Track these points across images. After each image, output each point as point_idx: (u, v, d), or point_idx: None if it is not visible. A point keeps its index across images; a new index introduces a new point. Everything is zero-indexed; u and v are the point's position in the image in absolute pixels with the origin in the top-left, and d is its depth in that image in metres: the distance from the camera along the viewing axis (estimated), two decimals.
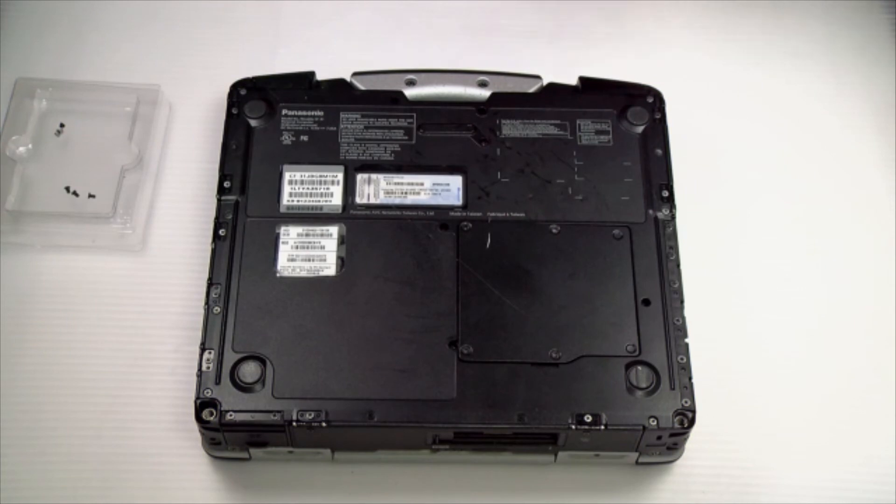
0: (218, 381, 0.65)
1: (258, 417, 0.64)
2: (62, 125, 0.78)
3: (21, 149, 0.77)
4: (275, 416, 0.64)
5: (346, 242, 0.71)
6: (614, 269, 0.70)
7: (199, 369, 0.66)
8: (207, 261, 0.70)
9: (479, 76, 0.77)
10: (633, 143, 0.75)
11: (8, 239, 0.75)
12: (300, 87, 0.77)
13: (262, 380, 0.65)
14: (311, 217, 0.71)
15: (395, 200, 0.72)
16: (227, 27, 0.85)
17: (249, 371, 0.66)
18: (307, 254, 0.70)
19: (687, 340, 0.68)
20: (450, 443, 0.66)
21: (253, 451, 0.67)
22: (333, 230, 0.71)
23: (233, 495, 0.68)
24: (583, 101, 0.76)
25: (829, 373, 0.73)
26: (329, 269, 0.70)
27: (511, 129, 0.75)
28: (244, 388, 0.65)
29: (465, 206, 0.72)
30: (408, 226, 0.71)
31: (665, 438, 0.66)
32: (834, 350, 0.74)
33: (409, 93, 0.76)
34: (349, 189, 0.73)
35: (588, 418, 0.64)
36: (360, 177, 0.73)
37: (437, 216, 0.72)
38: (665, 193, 0.73)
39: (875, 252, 0.77)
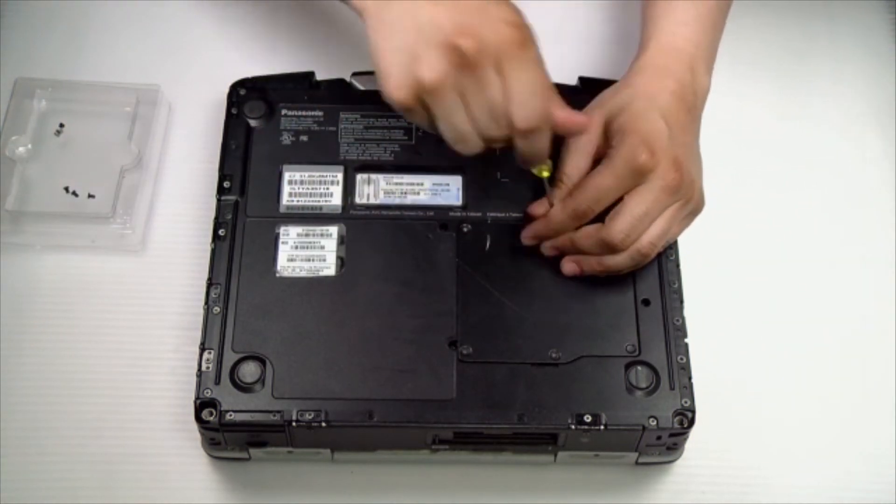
0: (218, 381, 0.65)
1: (258, 417, 0.64)
2: (62, 125, 0.78)
3: (21, 149, 0.77)
4: (274, 416, 0.64)
5: (345, 242, 0.71)
6: None
7: (199, 369, 0.66)
8: (207, 261, 0.70)
9: None
10: None
11: (8, 239, 0.75)
12: (300, 87, 0.77)
13: (261, 380, 0.65)
14: (311, 217, 0.71)
15: (395, 200, 0.72)
16: (227, 27, 0.85)
17: (249, 371, 0.66)
18: (307, 254, 0.70)
19: (687, 340, 0.68)
20: (449, 443, 0.66)
21: (253, 451, 0.67)
22: (333, 230, 0.71)
23: (233, 495, 0.68)
24: (583, 101, 0.75)
25: (829, 373, 0.73)
26: (329, 269, 0.70)
27: None
28: (244, 388, 0.65)
29: (464, 207, 0.72)
30: (407, 226, 0.71)
31: (665, 438, 0.66)
32: (834, 350, 0.74)
33: None
34: (349, 189, 0.73)
35: (588, 418, 0.64)
36: (359, 177, 0.73)
37: (436, 216, 0.72)
38: None
39: (875, 252, 0.77)
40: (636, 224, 0.66)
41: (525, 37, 0.62)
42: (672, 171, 0.66)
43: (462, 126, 0.63)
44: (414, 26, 0.61)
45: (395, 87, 0.62)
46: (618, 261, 0.67)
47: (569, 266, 0.69)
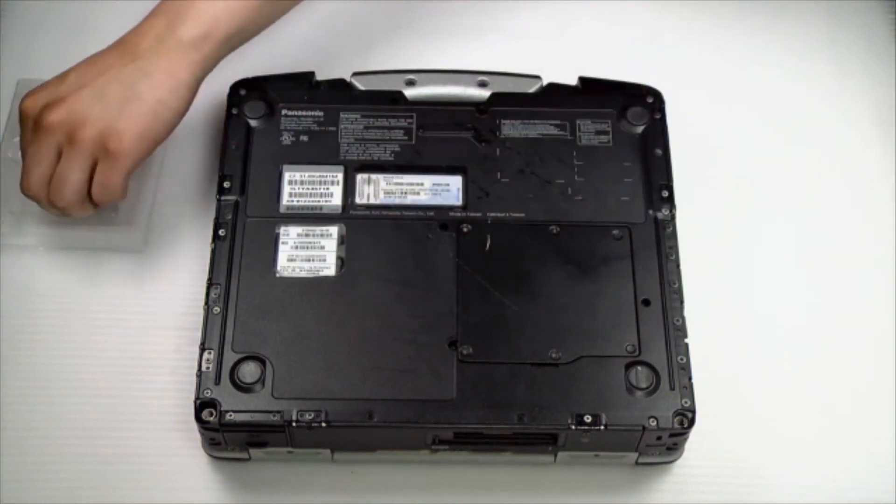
0: (218, 381, 0.65)
1: (258, 418, 0.64)
2: None
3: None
4: (274, 416, 0.64)
5: (345, 242, 0.71)
6: (614, 269, 0.70)
7: (199, 369, 0.66)
8: (207, 261, 0.70)
9: (478, 76, 0.77)
10: (632, 144, 0.75)
11: (8, 240, 0.75)
12: (300, 87, 0.77)
13: (261, 380, 0.65)
14: (311, 217, 0.71)
15: (395, 200, 0.72)
16: None
17: (249, 371, 0.66)
18: (307, 254, 0.70)
19: (687, 340, 0.67)
20: (449, 443, 0.66)
21: (253, 451, 0.67)
22: (333, 230, 0.71)
23: (233, 495, 0.68)
24: (583, 101, 0.75)
25: (828, 373, 0.73)
26: (329, 269, 0.70)
27: (511, 129, 0.75)
28: (244, 388, 0.65)
29: (464, 207, 0.72)
30: (407, 226, 0.71)
31: (665, 439, 0.66)
32: (834, 349, 0.74)
33: (409, 93, 0.76)
34: (349, 189, 0.73)
35: (588, 418, 0.64)
36: (359, 177, 0.73)
37: (436, 216, 0.72)
38: (665, 193, 0.72)
39: (876, 252, 0.77)
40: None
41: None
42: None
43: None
44: (93, 70, 0.69)
45: (32, 96, 0.69)
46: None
47: None
